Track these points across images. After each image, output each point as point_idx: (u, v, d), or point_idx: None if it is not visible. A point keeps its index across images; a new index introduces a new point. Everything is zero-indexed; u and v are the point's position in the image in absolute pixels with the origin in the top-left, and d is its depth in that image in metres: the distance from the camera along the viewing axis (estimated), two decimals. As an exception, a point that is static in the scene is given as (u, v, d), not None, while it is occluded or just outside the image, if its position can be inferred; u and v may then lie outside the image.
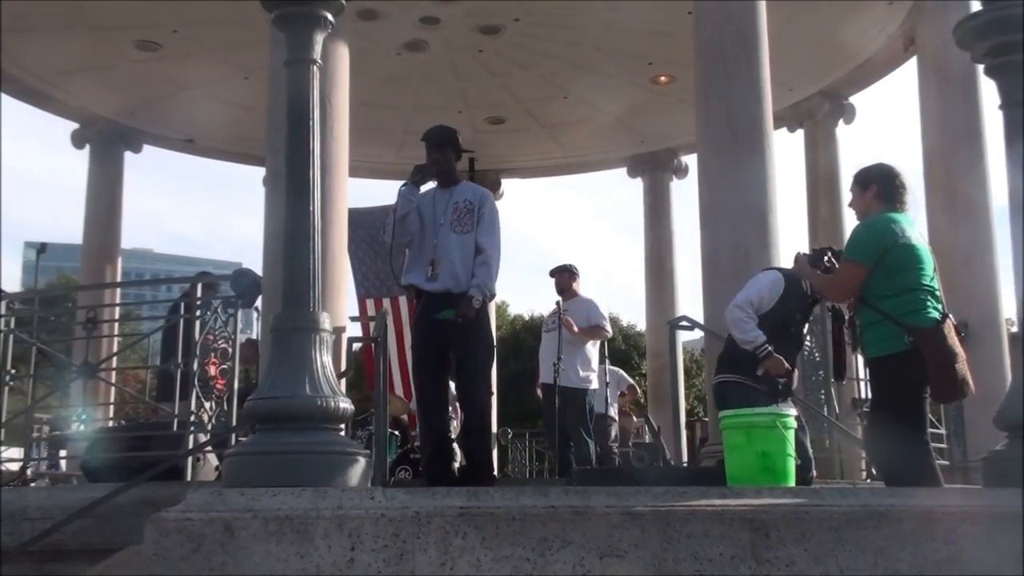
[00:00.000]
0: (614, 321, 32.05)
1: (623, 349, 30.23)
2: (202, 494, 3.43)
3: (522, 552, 3.39)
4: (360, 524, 3.34)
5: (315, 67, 3.62)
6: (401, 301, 12.28)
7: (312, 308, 3.58)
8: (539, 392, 8.90)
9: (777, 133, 12.15)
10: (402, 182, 5.91)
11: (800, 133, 12.33)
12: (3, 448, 6.93)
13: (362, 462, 3.63)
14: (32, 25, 9.47)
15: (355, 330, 9.01)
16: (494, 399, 13.19)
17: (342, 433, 3.82)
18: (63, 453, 8.31)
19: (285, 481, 3.41)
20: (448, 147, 6.04)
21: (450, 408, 6.86)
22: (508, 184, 14.04)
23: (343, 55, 6.91)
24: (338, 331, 6.23)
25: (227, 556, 3.28)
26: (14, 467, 6.87)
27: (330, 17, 3.71)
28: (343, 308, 6.53)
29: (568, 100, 11.77)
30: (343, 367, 6.12)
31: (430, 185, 6.08)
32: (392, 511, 3.38)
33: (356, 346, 6.76)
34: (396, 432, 12.05)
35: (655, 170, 13.66)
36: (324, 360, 3.60)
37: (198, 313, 5.81)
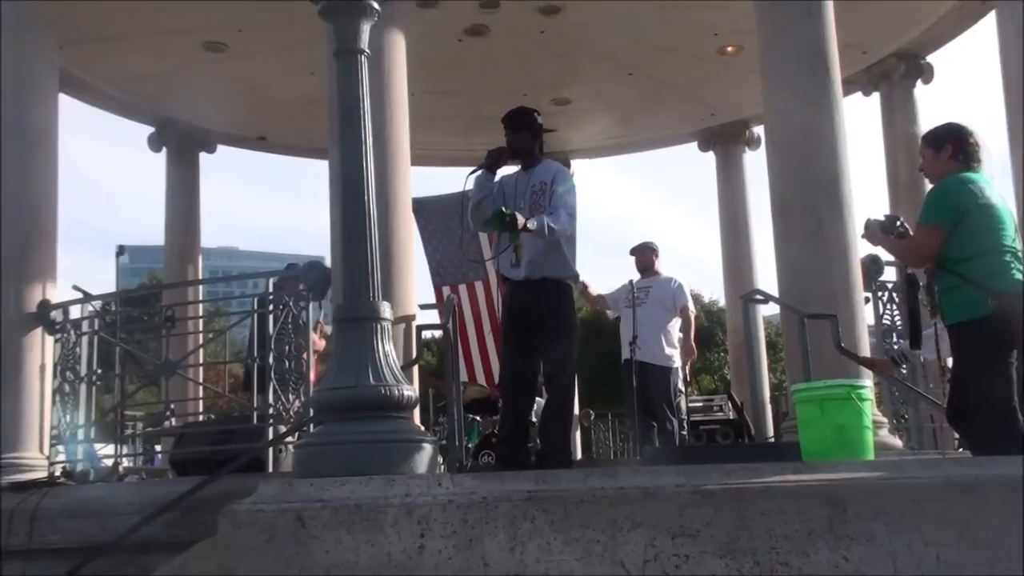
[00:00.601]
0: (696, 299, 31.76)
1: (707, 326, 29.91)
2: (273, 485, 3.48)
3: (592, 534, 3.37)
4: (428, 511, 3.35)
5: (363, 57, 3.62)
6: (478, 286, 12.31)
7: (372, 297, 3.60)
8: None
9: (852, 97, 11.88)
10: (471, 168, 5.92)
11: (876, 96, 12.00)
12: (98, 445, 7.18)
13: (428, 449, 3.64)
14: (104, 35, 9.71)
15: (430, 317, 9.09)
16: (577, 381, 13.22)
17: (412, 421, 3.84)
18: (158, 448, 8.52)
19: (353, 470, 3.44)
20: (523, 127, 6.01)
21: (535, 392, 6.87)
22: (577, 165, 13.95)
23: (400, 44, 6.93)
24: (408, 319, 6.28)
25: (299, 546, 3.33)
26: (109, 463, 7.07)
27: (376, 5, 3.71)
28: (412, 296, 6.57)
29: (633, 77, 11.63)
30: (414, 355, 6.16)
31: (513, 168, 6.08)
32: (460, 497, 3.38)
33: (429, 334, 6.78)
34: (477, 417, 12.13)
35: (727, 143, 13.44)
36: (386, 349, 3.61)
37: (270, 308, 5.91)
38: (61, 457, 6.64)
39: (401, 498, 3.35)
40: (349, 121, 3.62)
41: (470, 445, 11.03)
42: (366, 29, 3.68)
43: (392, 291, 6.05)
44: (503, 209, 5.54)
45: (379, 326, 3.62)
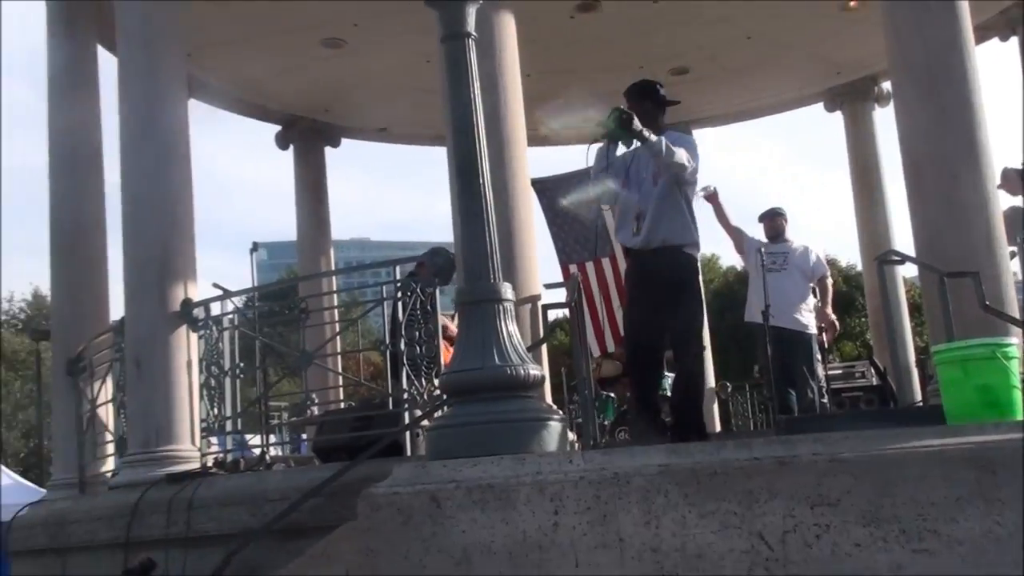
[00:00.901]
0: (832, 263, 30.92)
1: (845, 291, 29.07)
2: (407, 468, 3.56)
3: (728, 506, 3.33)
4: (561, 488, 3.37)
5: (470, 41, 3.64)
6: (605, 263, 12.27)
7: (492, 279, 3.62)
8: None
9: (988, 44, 11.32)
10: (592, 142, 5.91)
11: (1014, 41, 11.38)
12: (243, 436, 7.47)
13: (557, 426, 3.66)
14: (227, 38, 10.04)
15: (558, 296, 9.09)
16: (709, 354, 13.05)
17: (540, 399, 3.86)
18: (304, 437, 8.80)
19: (484, 450, 3.48)
20: (646, 99, 5.98)
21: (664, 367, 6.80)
22: (699, 134, 13.71)
23: (510, 26, 6.94)
24: (533, 299, 6.30)
25: (436, 526, 3.39)
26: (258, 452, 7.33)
27: (480, -11, 3.72)
28: (536, 276, 6.58)
29: (752, 40, 11.33)
30: (541, 334, 6.18)
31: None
32: (591, 473, 3.39)
33: (561, 313, 6.79)
34: (612, 394, 12.11)
35: (854, 101, 12.98)
36: (510, 329, 3.64)
37: (398, 295, 6.02)
38: (213, 448, 6.93)
39: (532, 476, 3.38)
40: (459, 105, 3.65)
41: (606, 422, 11.03)
42: (471, 13, 3.70)
43: (515, 272, 6.08)
44: (619, 108, 5.54)
45: (501, 307, 3.65)
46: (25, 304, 54.63)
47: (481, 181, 3.64)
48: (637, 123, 5.57)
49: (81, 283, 8.55)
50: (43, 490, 10.78)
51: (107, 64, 8.76)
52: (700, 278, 6.21)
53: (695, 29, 11.01)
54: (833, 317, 8.72)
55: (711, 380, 13.25)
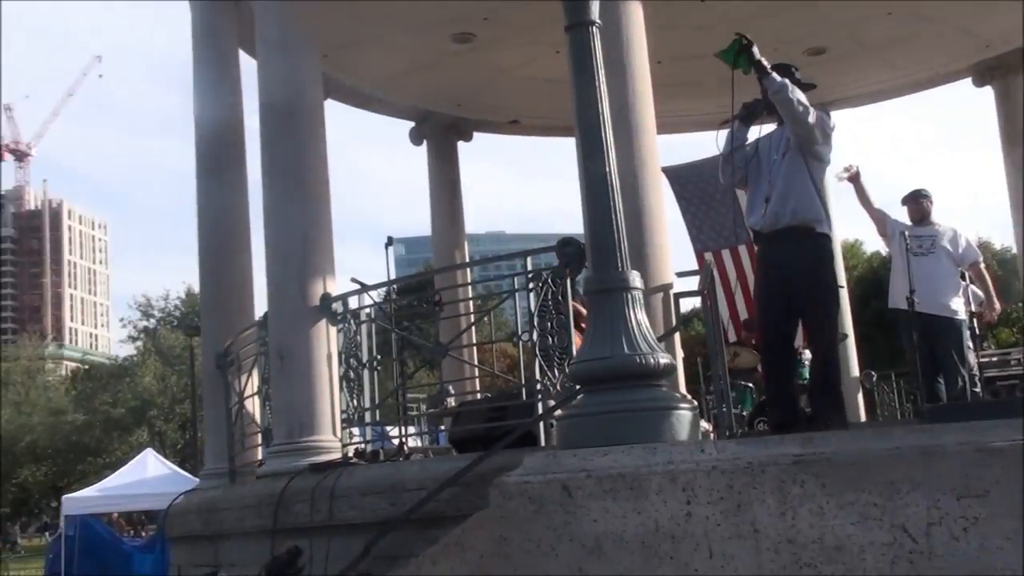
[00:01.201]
0: (985, 247, 29.55)
1: (1000, 275, 27.76)
2: (538, 457, 3.58)
3: (867, 497, 3.22)
4: (693, 477, 3.33)
5: (594, 28, 3.62)
6: (742, 250, 12.06)
7: (620, 268, 3.60)
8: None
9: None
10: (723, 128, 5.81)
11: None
12: (383, 427, 7.65)
13: (688, 415, 3.61)
14: (360, 38, 10.27)
15: (692, 285, 8.96)
16: (852, 342, 12.64)
17: (671, 388, 3.82)
18: (442, 428, 8.95)
19: (614, 439, 3.47)
20: None
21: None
22: (838, 116, 13.28)
23: (637, 14, 6.84)
24: (665, 288, 6.22)
25: (568, 515, 3.40)
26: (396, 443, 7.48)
27: (603, -24, 3.70)
28: (667, 264, 6.48)
29: (893, 16, 10.90)
30: (673, 322, 6.10)
31: (770, 127, 5.92)
32: (724, 463, 3.34)
33: (691, 303, 6.70)
34: (750, 384, 11.87)
35: (1006, 75, 12.32)
36: (639, 318, 3.61)
37: (530, 286, 6.04)
38: (355, 439, 7.11)
39: (664, 465, 3.34)
40: (585, 94, 3.63)
41: (744, 412, 10.82)
42: (595, 1, 3.67)
43: (645, 261, 6.01)
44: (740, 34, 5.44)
45: (630, 295, 3.62)
46: (179, 301, 57.45)
47: (608, 170, 3.62)
48: (757, 51, 5.42)
49: (227, 279, 8.95)
50: (197, 479, 11.30)
51: (248, 66, 9.15)
52: (834, 260, 5.99)
53: (832, 6, 10.66)
54: (998, 306, 8.34)
55: (854, 369, 12.85)
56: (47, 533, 42.58)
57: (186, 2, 9.52)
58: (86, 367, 68.34)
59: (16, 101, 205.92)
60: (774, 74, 5.49)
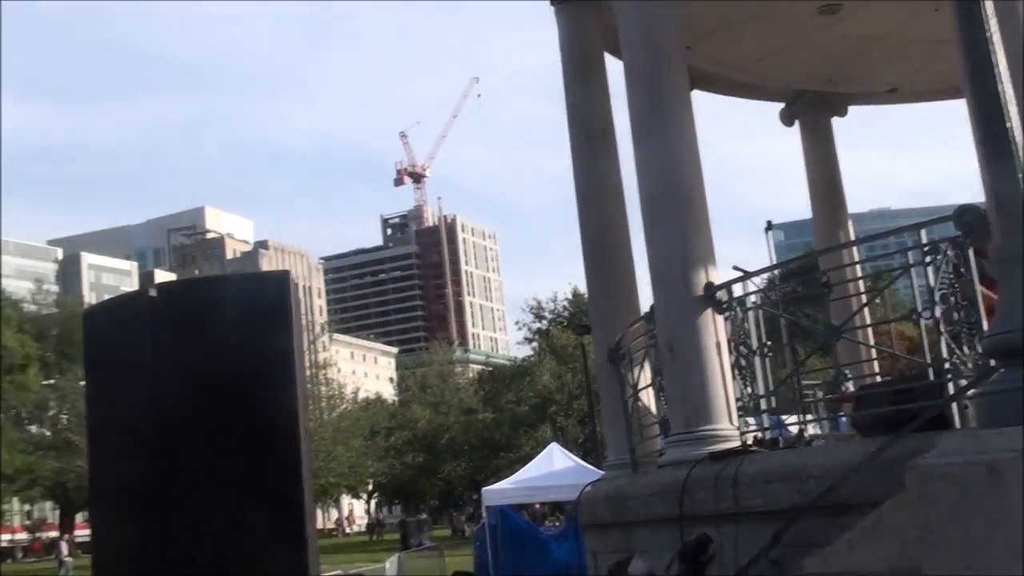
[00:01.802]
0: None
1: None
2: (955, 438, 3.39)
3: None
4: None
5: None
6: None
7: (1030, 230, 3.30)
8: None
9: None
10: None
11: None
12: (779, 415, 7.54)
13: None
14: (724, 24, 10.20)
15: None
16: None
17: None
18: (841, 414, 8.69)
19: (1040, 417, 3.19)
20: None
21: None
22: None
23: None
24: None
25: (999, 499, 3.17)
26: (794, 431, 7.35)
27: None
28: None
29: None
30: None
31: None
32: None
33: None
34: None
35: None
36: (1057, 281, 3.28)
37: (926, 260, 5.68)
38: (750, 427, 7.08)
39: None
40: (975, 47, 3.37)
41: None
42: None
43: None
44: None
45: (1046, 260, 3.31)
46: (567, 302, 60.21)
47: (1008, 126, 3.34)
48: None
49: (611, 277, 9.32)
50: (599, 471, 11.78)
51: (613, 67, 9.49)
52: None
53: None
54: None
55: None
56: (471, 523, 46.35)
57: (551, 16, 10.01)
58: (490, 369, 73.66)
59: (410, 127, 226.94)
60: None
